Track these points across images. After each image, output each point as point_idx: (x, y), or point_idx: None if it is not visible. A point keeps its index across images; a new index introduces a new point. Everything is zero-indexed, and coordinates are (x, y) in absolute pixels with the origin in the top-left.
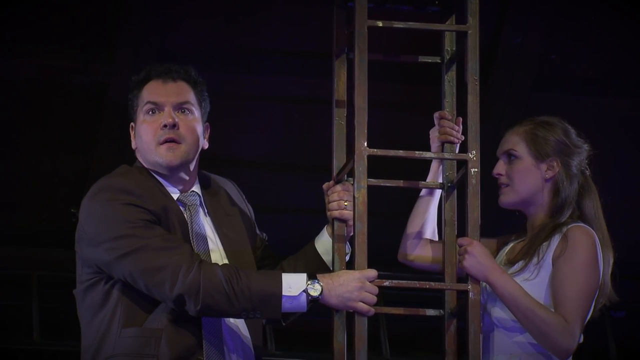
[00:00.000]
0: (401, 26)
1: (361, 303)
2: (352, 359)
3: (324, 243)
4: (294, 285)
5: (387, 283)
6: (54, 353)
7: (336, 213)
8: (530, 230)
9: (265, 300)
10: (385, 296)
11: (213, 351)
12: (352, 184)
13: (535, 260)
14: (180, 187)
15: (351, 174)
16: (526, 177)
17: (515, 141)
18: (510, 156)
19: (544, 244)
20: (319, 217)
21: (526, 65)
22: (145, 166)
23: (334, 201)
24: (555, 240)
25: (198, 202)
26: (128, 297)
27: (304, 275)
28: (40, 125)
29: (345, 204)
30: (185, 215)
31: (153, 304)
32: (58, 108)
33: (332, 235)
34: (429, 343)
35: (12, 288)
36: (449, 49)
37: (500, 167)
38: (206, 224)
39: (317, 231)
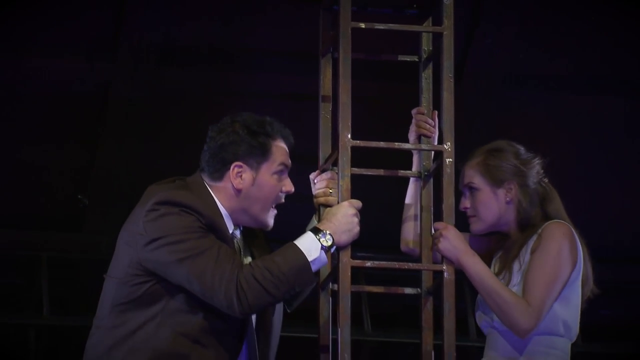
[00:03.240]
0: (382, 27)
1: (357, 227)
2: (336, 333)
3: None
4: (312, 248)
5: (369, 264)
6: (62, 328)
7: (322, 200)
8: (509, 242)
9: (299, 275)
10: (367, 276)
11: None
12: (337, 173)
13: (517, 266)
14: (235, 228)
15: (336, 163)
16: (488, 206)
17: (472, 174)
18: (471, 189)
19: (522, 250)
20: (306, 204)
21: (497, 63)
22: (230, 203)
23: (320, 189)
24: (532, 240)
25: (241, 241)
26: (171, 301)
27: (311, 235)
28: (49, 119)
29: (331, 191)
30: (235, 242)
31: (193, 314)
32: (64, 103)
33: (319, 220)
34: (407, 319)
35: (23, 268)
36: (425, 49)
37: (464, 202)
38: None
39: (304, 215)
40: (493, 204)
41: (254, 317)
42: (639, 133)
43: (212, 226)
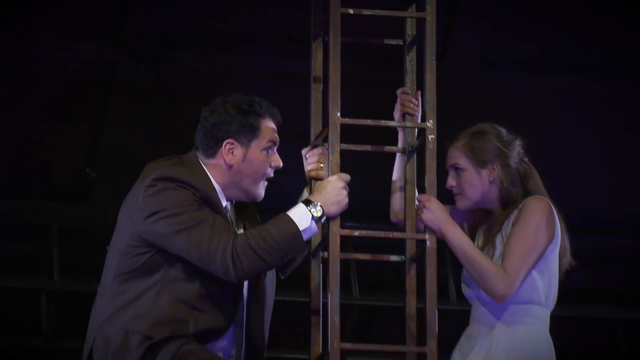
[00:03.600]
0: (369, 13)
1: (346, 199)
2: (327, 298)
3: None
4: (303, 217)
5: (356, 233)
6: (71, 292)
7: (313, 174)
8: (491, 218)
9: (291, 243)
10: (355, 245)
11: (236, 336)
12: (327, 149)
13: (499, 240)
14: (227, 201)
15: (326, 140)
16: (473, 185)
17: (457, 156)
18: (457, 169)
19: (504, 224)
20: (298, 177)
21: (476, 47)
22: (223, 178)
23: (312, 163)
24: (513, 215)
25: (232, 211)
26: (170, 270)
27: (302, 206)
28: (59, 99)
29: (321, 165)
30: (227, 215)
31: (190, 281)
32: (73, 85)
33: (310, 192)
34: (392, 285)
35: (35, 237)
36: (410, 33)
37: (450, 180)
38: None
39: (297, 188)
40: (477, 184)
41: (246, 283)
42: (609, 111)
43: (207, 199)
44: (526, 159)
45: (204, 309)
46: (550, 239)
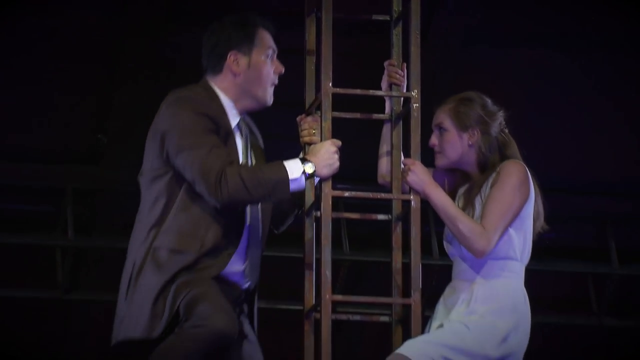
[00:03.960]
0: None
1: (337, 162)
2: (319, 254)
3: None
4: (295, 169)
5: (347, 194)
6: (84, 248)
7: (307, 139)
8: (470, 182)
9: (277, 186)
10: (345, 205)
11: (241, 247)
12: (320, 116)
13: (479, 201)
14: (242, 115)
15: (319, 108)
16: (453, 146)
17: (443, 117)
18: (440, 129)
19: (483, 186)
20: (294, 142)
21: (458, 23)
22: (234, 91)
23: (305, 129)
24: (492, 178)
25: (244, 129)
26: (187, 192)
27: (298, 160)
28: (69, 67)
29: (314, 131)
30: (236, 136)
31: (205, 202)
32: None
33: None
34: (379, 242)
35: (51, 197)
36: (396, 10)
37: (433, 139)
38: (241, 144)
39: (293, 153)
40: (457, 145)
41: (248, 212)
42: (583, 83)
43: (217, 123)
44: (506, 131)
45: (219, 224)
46: (525, 199)
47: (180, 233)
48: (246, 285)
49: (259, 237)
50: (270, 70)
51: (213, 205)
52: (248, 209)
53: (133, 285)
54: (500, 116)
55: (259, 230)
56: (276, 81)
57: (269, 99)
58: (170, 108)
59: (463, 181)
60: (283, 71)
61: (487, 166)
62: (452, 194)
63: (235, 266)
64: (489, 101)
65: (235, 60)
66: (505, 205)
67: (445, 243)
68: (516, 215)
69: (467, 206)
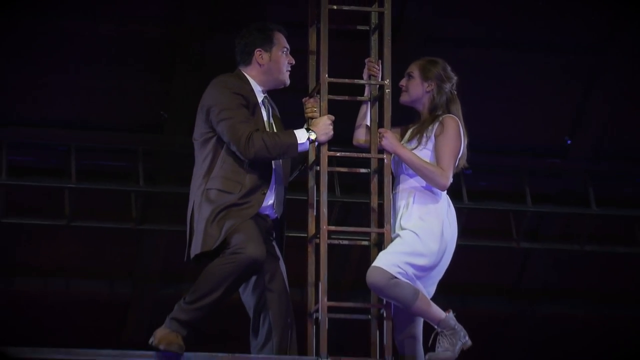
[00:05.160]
0: (346, 8)
1: (332, 131)
2: (319, 196)
3: None
4: (302, 136)
5: (339, 154)
6: (151, 192)
7: (310, 115)
8: (419, 121)
9: (289, 148)
10: (337, 161)
11: (271, 189)
12: (319, 98)
13: (424, 139)
14: (265, 93)
15: (319, 92)
16: (415, 89)
17: (413, 68)
18: (409, 76)
19: (429, 128)
20: (300, 117)
21: (420, 28)
22: (260, 77)
23: (309, 108)
24: (436, 125)
25: (267, 105)
26: (227, 148)
27: (304, 130)
28: (141, 56)
29: (315, 109)
30: (262, 110)
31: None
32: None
33: (308, 128)
34: (362, 188)
35: (127, 157)
36: (374, 22)
37: (403, 81)
38: (265, 115)
39: (299, 125)
40: (418, 89)
41: (273, 163)
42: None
43: (247, 100)
44: (455, 92)
45: (254, 170)
46: (461, 143)
47: (225, 178)
48: (275, 216)
49: (282, 180)
50: (285, 61)
51: (245, 159)
52: (273, 165)
53: (194, 217)
54: (454, 80)
55: (281, 175)
56: (289, 68)
57: (287, 81)
58: (214, 89)
59: (413, 124)
60: (294, 62)
61: (435, 110)
62: (404, 131)
63: (267, 202)
64: (449, 67)
65: (260, 55)
66: (452, 150)
67: (393, 166)
68: (458, 154)
69: (415, 137)
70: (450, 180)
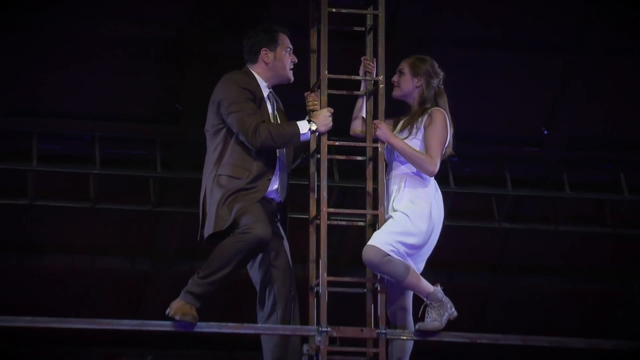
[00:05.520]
0: (344, 11)
1: (331, 123)
2: (319, 181)
3: None
4: (304, 127)
5: (337, 143)
6: (168, 178)
7: (311, 107)
8: (410, 113)
9: (292, 138)
10: (336, 150)
11: (275, 175)
12: (319, 93)
13: (415, 130)
14: (270, 88)
15: (319, 87)
16: (405, 84)
17: (404, 65)
18: (400, 73)
19: (419, 119)
20: (302, 110)
21: (410, 30)
22: (266, 74)
23: (310, 101)
24: (425, 117)
25: (272, 99)
26: (236, 138)
27: (305, 121)
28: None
29: (316, 102)
30: (268, 103)
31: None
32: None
33: (310, 119)
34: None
35: (145, 145)
36: (369, 24)
37: (395, 77)
38: (270, 108)
39: (302, 117)
40: (409, 84)
41: (277, 152)
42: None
43: (254, 94)
44: (442, 87)
45: (260, 158)
46: (448, 133)
47: (234, 165)
48: (279, 199)
49: (285, 167)
50: (288, 60)
51: (252, 148)
52: (277, 153)
53: (206, 200)
54: (441, 76)
55: (285, 162)
56: (292, 66)
57: (291, 77)
58: (223, 84)
59: (404, 116)
60: (296, 61)
61: (424, 104)
62: (396, 123)
63: (272, 187)
64: (436, 64)
65: (266, 54)
66: (440, 140)
67: (386, 154)
68: (445, 144)
69: (407, 128)
70: (438, 166)
